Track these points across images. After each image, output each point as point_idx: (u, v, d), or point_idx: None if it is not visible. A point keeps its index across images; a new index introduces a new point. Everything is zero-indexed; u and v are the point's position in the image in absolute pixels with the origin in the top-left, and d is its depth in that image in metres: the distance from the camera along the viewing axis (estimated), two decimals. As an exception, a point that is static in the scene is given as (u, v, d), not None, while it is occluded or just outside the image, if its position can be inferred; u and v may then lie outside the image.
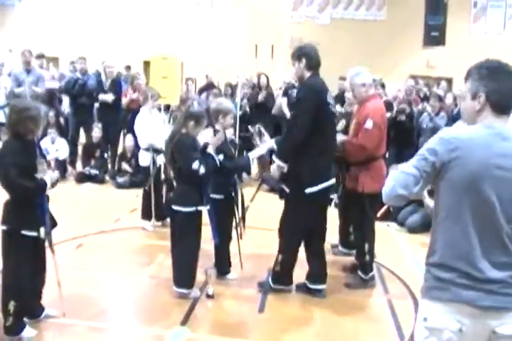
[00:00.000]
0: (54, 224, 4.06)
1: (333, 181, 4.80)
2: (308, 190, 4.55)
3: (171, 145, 4.64)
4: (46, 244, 3.99)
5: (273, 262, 4.90)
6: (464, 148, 2.24)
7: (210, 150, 4.58)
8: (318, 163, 4.57)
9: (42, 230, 3.83)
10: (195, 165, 4.44)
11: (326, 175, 4.69)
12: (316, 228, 4.84)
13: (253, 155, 5.11)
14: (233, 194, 5.11)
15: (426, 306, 2.35)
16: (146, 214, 6.79)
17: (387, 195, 2.40)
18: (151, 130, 6.54)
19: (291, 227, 4.74)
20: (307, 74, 4.60)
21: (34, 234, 3.81)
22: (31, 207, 3.80)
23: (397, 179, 2.35)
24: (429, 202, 2.68)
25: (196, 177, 4.50)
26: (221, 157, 4.76)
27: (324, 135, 4.58)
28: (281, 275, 4.89)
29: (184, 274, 4.71)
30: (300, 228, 4.75)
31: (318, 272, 4.91)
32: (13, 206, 3.78)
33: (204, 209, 4.67)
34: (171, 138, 4.68)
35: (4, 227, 3.78)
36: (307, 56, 4.58)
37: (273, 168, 4.70)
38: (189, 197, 4.63)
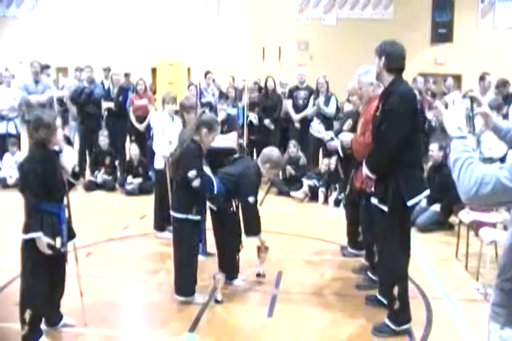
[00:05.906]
0: (72, 235, 4.08)
1: (428, 191, 4.27)
2: (410, 203, 4.10)
3: (180, 150, 4.62)
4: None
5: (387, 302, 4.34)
6: None
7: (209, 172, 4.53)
8: (415, 173, 4.21)
9: (58, 240, 3.85)
10: (191, 173, 4.44)
11: (424, 186, 4.29)
12: None
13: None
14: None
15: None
16: (157, 225, 6.63)
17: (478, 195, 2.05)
18: (170, 135, 6.39)
19: (397, 249, 4.18)
20: (388, 78, 4.09)
21: (50, 242, 3.81)
22: (49, 216, 3.82)
23: (492, 180, 2.03)
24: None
25: (190, 186, 4.47)
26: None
27: (417, 144, 4.24)
28: (402, 312, 4.20)
29: (181, 282, 4.69)
30: (404, 247, 4.23)
31: None
32: (32, 214, 3.80)
33: (197, 219, 4.60)
34: (181, 143, 4.67)
35: (24, 235, 3.81)
36: (387, 56, 4.07)
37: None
38: (181, 204, 4.63)
